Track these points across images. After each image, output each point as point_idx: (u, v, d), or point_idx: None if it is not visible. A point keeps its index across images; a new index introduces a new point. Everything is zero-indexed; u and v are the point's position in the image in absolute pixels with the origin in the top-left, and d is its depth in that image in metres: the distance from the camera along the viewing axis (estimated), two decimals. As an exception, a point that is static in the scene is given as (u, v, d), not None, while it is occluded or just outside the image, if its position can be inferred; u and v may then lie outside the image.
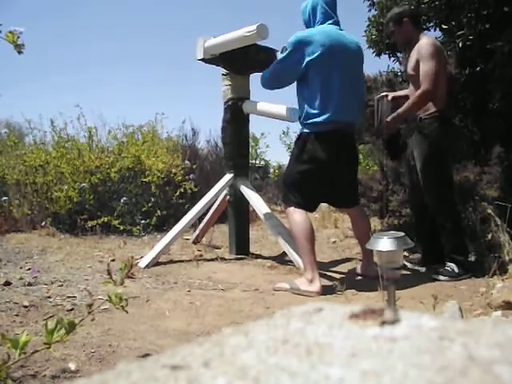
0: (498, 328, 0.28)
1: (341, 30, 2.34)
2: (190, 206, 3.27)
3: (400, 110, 2.42)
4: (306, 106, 2.28)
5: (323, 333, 0.30)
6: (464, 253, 2.43)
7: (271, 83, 2.43)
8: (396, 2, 3.46)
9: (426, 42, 2.41)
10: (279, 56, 2.31)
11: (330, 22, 2.31)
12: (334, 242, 3.51)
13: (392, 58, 3.87)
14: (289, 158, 2.49)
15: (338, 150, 2.29)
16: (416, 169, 2.55)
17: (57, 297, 1.92)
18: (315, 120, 2.24)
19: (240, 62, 2.82)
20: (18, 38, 1.04)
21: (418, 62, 2.41)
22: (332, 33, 2.26)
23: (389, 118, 2.45)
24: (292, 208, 2.29)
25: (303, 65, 2.23)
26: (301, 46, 2.22)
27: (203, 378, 0.25)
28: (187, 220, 2.89)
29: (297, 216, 2.26)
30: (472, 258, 2.52)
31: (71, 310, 1.78)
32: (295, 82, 2.36)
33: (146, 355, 1.35)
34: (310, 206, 2.38)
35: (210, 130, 7.11)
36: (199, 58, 2.86)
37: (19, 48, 1.05)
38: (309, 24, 2.37)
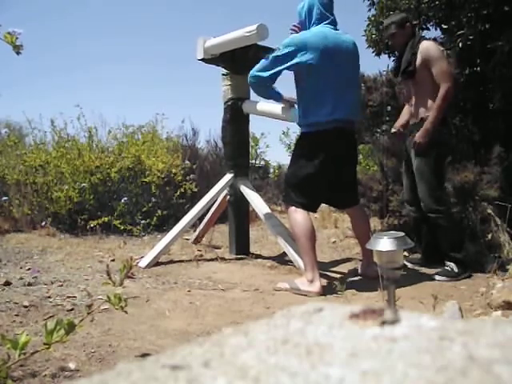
0: (498, 328, 0.28)
1: (336, 29, 2.34)
2: (190, 206, 3.27)
3: (428, 124, 2.40)
4: (305, 106, 2.28)
5: (323, 333, 0.30)
6: (461, 250, 2.43)
7: (261, 84, 2.34)
8: (396, 2, 3.46)
9: (432, 43, 2.49)
10: (271, 57, 2.27)
11: (326, 22, 2.31)
12: (334, 242, 3.51)
13: (392, 58, 3.87)
14: (290, 157, 2.49)
15: (340, 148, 2.30)
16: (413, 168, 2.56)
17: (57, 297, 1.92)
18: (316, 119, 2.24)
19: (240, 62, 2.82)
20: (17, 38, 1.04)
21: (423, 61, 2.44)
22: (327, 34, 2.26)
23: (418, 138, 2.43)
24: (293, 208, 2.29)
25: (297, 68, 2.24)
26: (296, 49, 2.21)
27: (203, 377, 0.25)
28: (187, 220, 2.89)
29: (298, 216, 2.26)
30: (472, 258, 2.52)
31: (71, 310, 1.78)
32: (294, 82, 2.36)
33: (146, 355, 1.35)
34: (312, 206, 2.38)
35: (209, 129, 7.12)
36: (199, 57, 2.86)
37: (18, 49, 1.05)
38: (305, 25, 2.37)
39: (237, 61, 2.82)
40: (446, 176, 2.60)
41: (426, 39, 2.64)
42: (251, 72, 2.32)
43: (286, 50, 2.23)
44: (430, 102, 2.49)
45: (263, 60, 2.30)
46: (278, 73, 2.30)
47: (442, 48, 2.56)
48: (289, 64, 2.24)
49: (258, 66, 2.30)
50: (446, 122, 2.56)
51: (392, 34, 2.61)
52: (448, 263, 2.41)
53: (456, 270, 2.37)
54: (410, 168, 2.63)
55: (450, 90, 2.38)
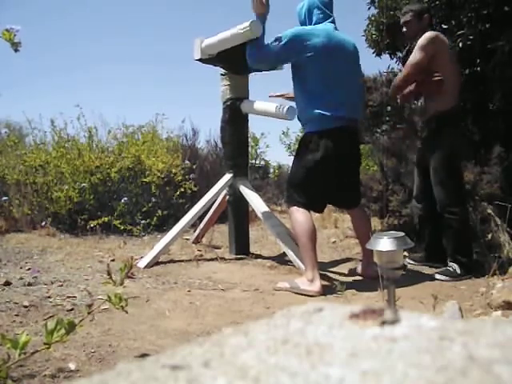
0: (498, 328, 0.28)
1: (336, 29, 2.34)
2: (190, 205, 3.27)
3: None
4: (308, 104, 2.27)
5: (323, 333, 0.30)
6: (468, 254, 2.41)
7: (258, 63, 2.38)
8: (396, 1, 3.46)
9: (426, 34, 2.43)
10: (272, 44, 2.25)
11: (327, 21, 2.32)
12: (334, 241, 3.51)
13: (393, 58, 3.87)
14: (294, 157, 2.48)
15: (343, 147, 2.29)
16: (426, 166, 2.53)
17: (57, 297, 1.92)
18: (319, 118, 2.23)
19: (238, 61, 2.82)
20: (15, 35, 1.04)
21: None
22: (330, 31, 2.27)
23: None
24: (295, 207, 2.28)
25: (300, 60, 2.23)
26: (299, 40, 2.21)
27: (203, 377, 0.25)
28: (187, 220, 2.89)
29: (299, 215, 2.25)
30: (474, 260, 2.51)
31: (71, 310, 1.78)
32: (293, 82, 2.36)
33: (146, 355, 1.35)
34: (314, 206, 2.37)
35: (209, 129, 7.12)
36: (196, 58, 2.86)
37: (16, 46, 1.05)
38: (305, 25, 2.37)
39: (234, 61, 2.82)
40: (463, 176, 2.57)
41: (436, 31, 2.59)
42: (253, 56, 2.32)
43: (291, 39, 2.21)
44: (437, 97, 2.46)
45: (267, 46, 2.28)
46: (282, 62, 2.31)
47: (444, 41, 2.49)
48: (292, 54, 2.24)
49: (261, 52, 2.29)
50: (458, 123, 2.54)
51: (407, 22, 2.53)
52: (451, 264, 2.40)
53: (458, 271, 2.36)
54: (421, 165, 2.61)
55: (405, 79, 2.51)
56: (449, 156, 2.43)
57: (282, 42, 2.22)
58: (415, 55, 2.43)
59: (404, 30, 2.59)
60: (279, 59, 2.32)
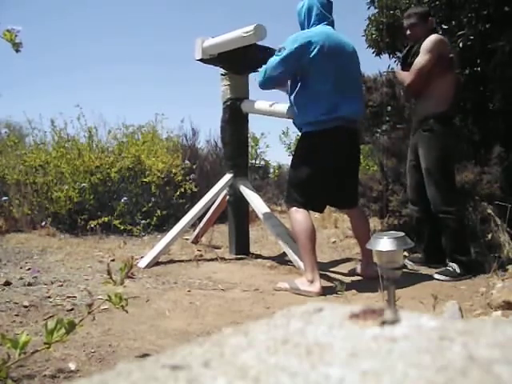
0: (498, 328, 0.28)
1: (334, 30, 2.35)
2: (190, 206, 3.27)
3: (398, 73, 2.73)
4: (307, 104, 2.27)
5: (323, 333, 0.30)
6: (466, 253, 2.42)
7: (270, 84, 2.40)
8: (397, 1, 3.46)
9: (431, 37, 2.44)
10: (276, 57, 2.29)
11: (325, 23, 2.32)
12: (334, 242, 3.51)
13: (392, 58, 3.87)
14: (292, 157, 2.49)
15: (343, 147, 2.29)
16: (419, 167, 2.54)
17: (57, 297, 1.92)
18: (319, 118, 2.24)
19: (239, 62, 2.82)
20: (16, 36, 1.04)
21: None
22: (329, 33, 2.27)
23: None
24: (294, 208, 2.29)
25: (302, 65, 2.24)
26: (300, 47, 2.22)
27: (203, 377, 0.25)
28: (187, 220, 2.89)
29: (299, 215, 2.26)
30: (472, 258, 2.51)
31: (71, 310, 1.78)
32: (292, 82, 2.36)
33: (146, 355, 1.35)
34: (314, 206, 2.37)
35: (209, 129, 7.13)
36: (198, 58, 2.86)
37: (17, 46, 1.05)
38: (304, 25, 2.37)
39: (235, 61, 2.82)
40: (455, 176, 2.58)
41: (440, 35, 2.59)
42: (260, 74, 2.36)
43: (292, 49, 2.22)
44: (431, 99, 2.46)
45: (270, 61, 2.31)
46: (286, 73, 2.31)
47: (447, 45, 2.49)
48: (295, 63, 2.24)
49: (266, 68, 2.33)
50: (451, 123, 2.55)
51: (413, 24, 2.53)
52: (451, 264, 2.41)
53: (458, 270, 2.36)
54: (414, 167, 2.62)
55: (408, 85, 2.52)
56: (443, 158, 2.44)
57: (287, 53, 2.23)
58: (422, 60, 2.41)
59: (408, 32, 2.58)
60: (286, 74, 2.33)
